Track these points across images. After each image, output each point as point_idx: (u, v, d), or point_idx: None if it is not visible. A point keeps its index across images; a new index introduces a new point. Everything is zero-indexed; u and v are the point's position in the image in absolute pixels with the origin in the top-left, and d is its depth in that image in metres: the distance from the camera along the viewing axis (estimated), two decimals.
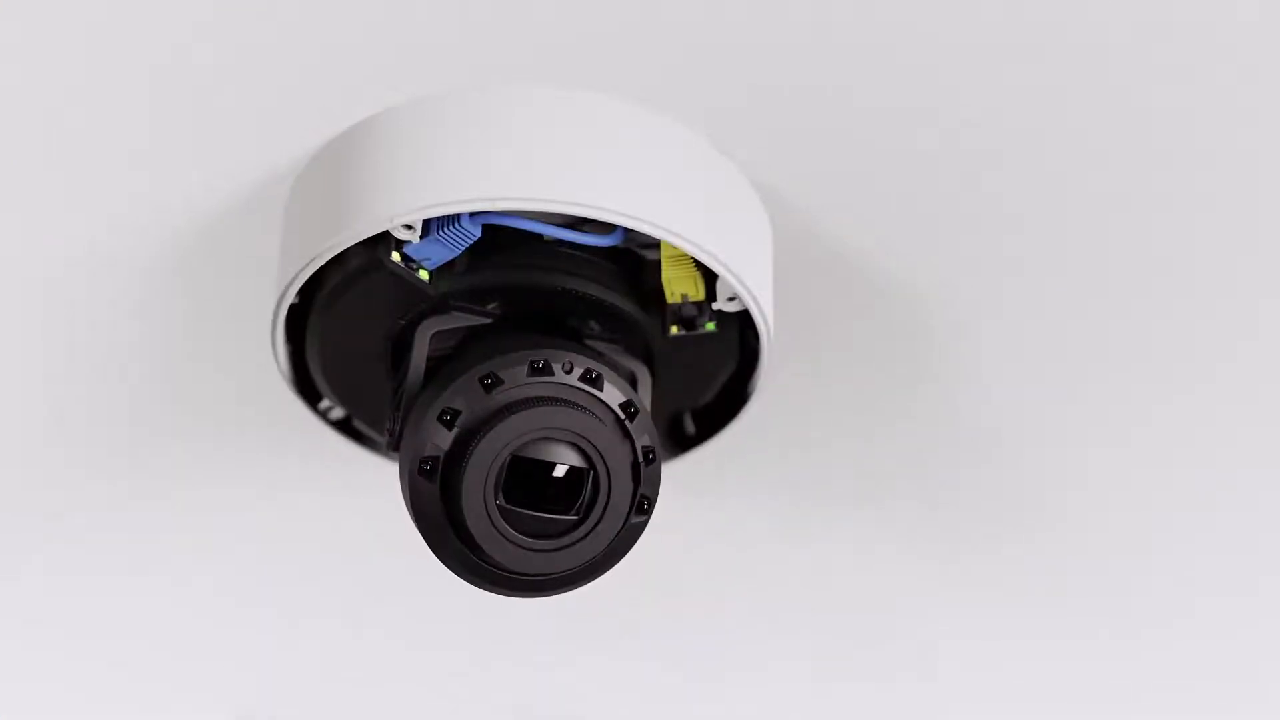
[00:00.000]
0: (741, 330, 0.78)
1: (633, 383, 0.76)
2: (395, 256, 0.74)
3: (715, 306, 0.76)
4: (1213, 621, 0.95)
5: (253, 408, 0.85)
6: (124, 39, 0.72)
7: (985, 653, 0.98)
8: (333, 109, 0.75)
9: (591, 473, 0.72)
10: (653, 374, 0.78)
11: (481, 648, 0.96)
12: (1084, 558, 0.93)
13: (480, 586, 0.73)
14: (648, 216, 0.73)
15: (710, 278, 0.76)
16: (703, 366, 0.79)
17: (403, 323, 0.76)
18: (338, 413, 0.83)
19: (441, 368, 0.74)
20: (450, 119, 0.74)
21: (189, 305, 0.82)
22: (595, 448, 0.71)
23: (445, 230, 0.74)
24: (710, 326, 0.77)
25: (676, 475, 0.82)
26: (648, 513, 0.73)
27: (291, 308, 0.77)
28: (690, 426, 0.83)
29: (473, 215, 0.74)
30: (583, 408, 0.72)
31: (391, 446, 0.75)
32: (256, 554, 0.92)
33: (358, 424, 0.83)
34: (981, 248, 0.79)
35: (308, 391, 0.81)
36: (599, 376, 0.72)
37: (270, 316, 0.77)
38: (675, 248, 0.75)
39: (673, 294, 0.76)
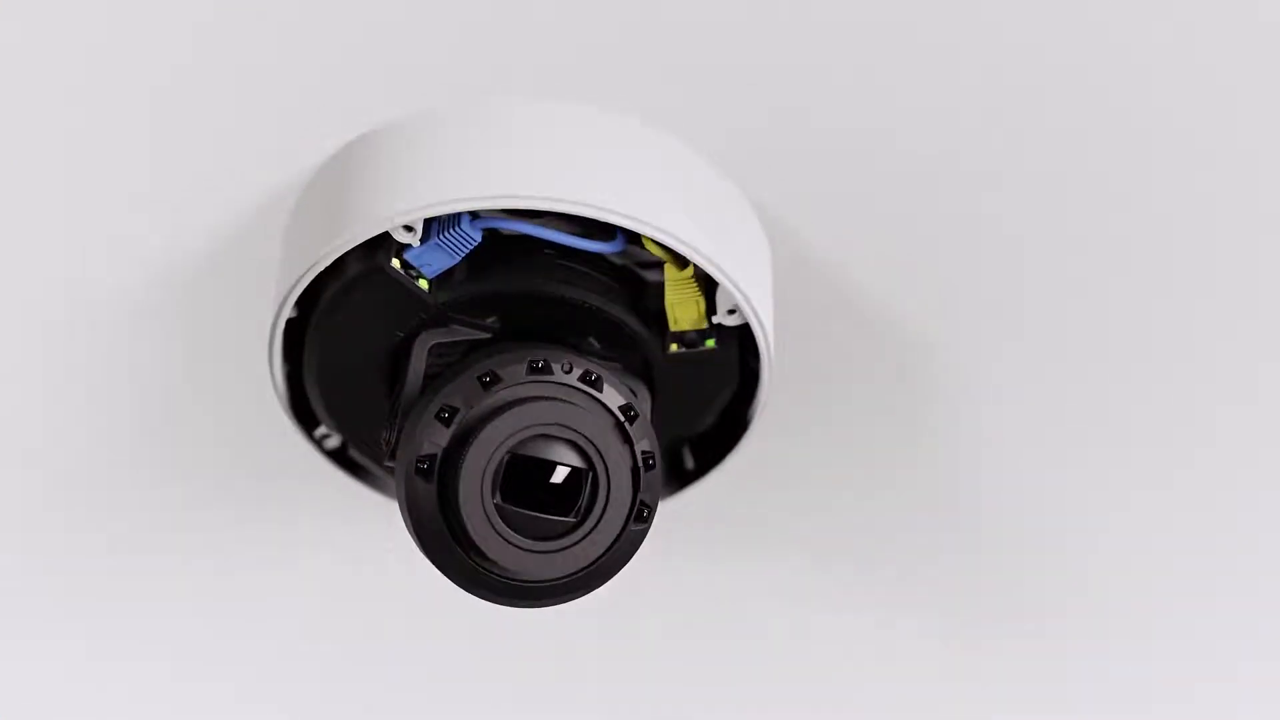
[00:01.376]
0: (742, 354, 0.78)
1: None
2: (395, 263, 0.74)
3: (715, 320, 0.76)
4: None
5: (247, 437, 0.84)
6: (122, 52, 0.73)
7: None
8: (333, 125, 0.76)
9: (590, 474, 0.71)
10: (652, 395, 0.77)
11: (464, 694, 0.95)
12: (1087, 636, 0.92)
13: (477, 594, 0.72)
14: (647, 218, 0.73)
15: (711, 300, 0.76)
16: (702, 388, 0.78)
17: (401, 335, 0.75)
18: (333, 441, 0.82)
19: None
20: (451, 125, 0.75)
21: (186, 328, 0.82)
22: (595, 447, 0.71)
23: (446, 234, 0.74)
24: (710, 344, 0.77)
25: (672, 518, 0.81)
26: (647, 521, 0.72)
27: (290, 326, 0.77)
28: (689, 461, 0.83)
29: (473, 219, 0.74)
30: (582, 407, 0.71)
31: (388, 456, 0.74)
32: (248, 590, 0.91)
33: (353, 454, 0.83)
34: (984, 270, 0.79)
35: (304, 417, 0.81)
36: (599, 378, 0.72)
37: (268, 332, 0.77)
38: (678, 271, 0.75)
39: (676, 320, 0.76)
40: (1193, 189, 0.74)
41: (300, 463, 0.82)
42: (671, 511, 0.81)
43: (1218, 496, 0.86)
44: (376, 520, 0.84)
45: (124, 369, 0.82)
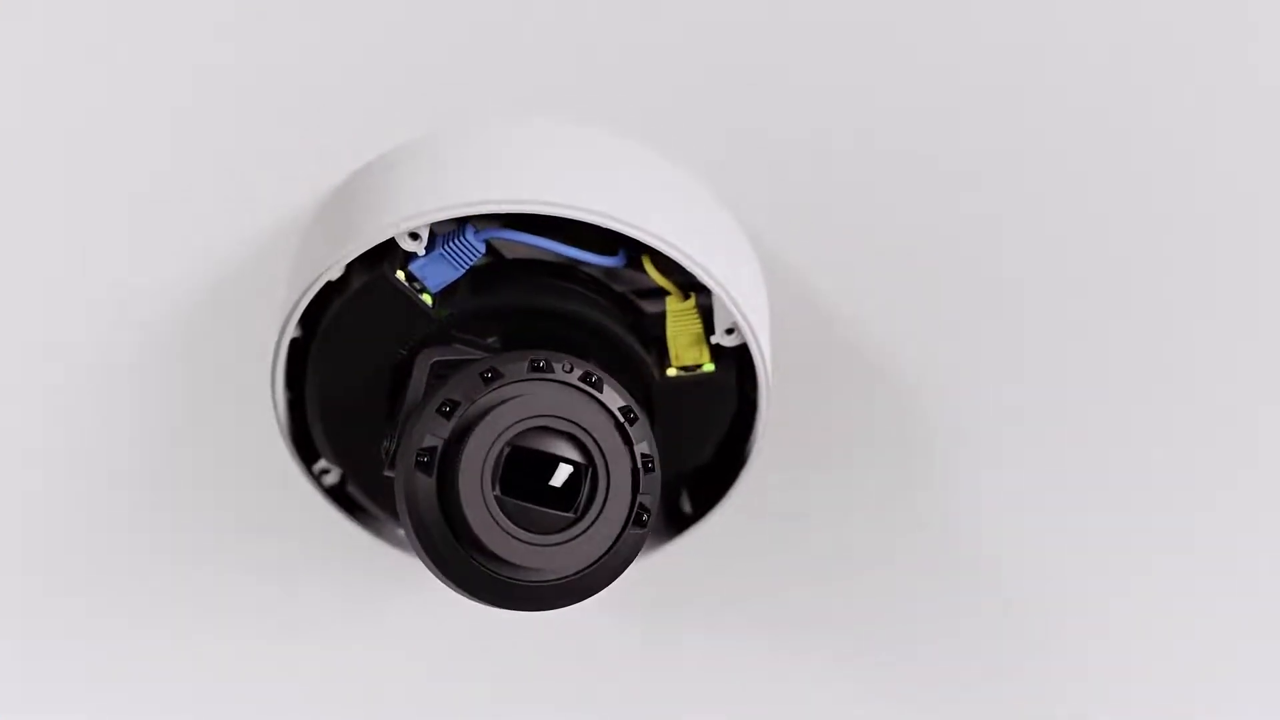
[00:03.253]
0: (740, 383, 0.78)
1: None
2: (400, 275, 0.75)
3: (713, 340, 0.77)
4: None
5: (245, 469, 0.85)
6: (123, 63, 0.75)
7: None
8: (334, 129, 0.77)
9: (590, 469, 0.71)
10: (650, 421, 0.78)
11: None
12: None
13: (475, 597, 0.72)
14: (645, 226, 0.75)
15: (710, 328, 0.77)
16: (700, 415, 0.79)
17: (404, 352, 0.76)
18: (332, 477, 0.82)
19: None
20: (454, 142, 0.77)
21: (190, 352, 0.82)
22: (595, 441, 0.71)
23: (450, 245, 0.75)
24: (708, 366, 0.77)
25: (668, 566, 0.81)
26: (646, 526, 0.72)
27: (293, 352, 0.78)
28: (687, 504, 0.83)
29: (477, 231, 0.75)
30: (582, 403, 0.72)
31: (389, 464, 0.75)
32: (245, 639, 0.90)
33: (351, 490, 0.83)
34: (986, 276, 0.80)
35: (304, 451, 0.81)
36: (599, 380, 0.72)
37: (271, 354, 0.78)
38: (681, 302, 0.77)
39: (677, 355, 0.77)
40: (1193, 193, 0.75)
41: (297, 499, 0.82)
42: (668, 559, 0.81)
43: (1239, 545, 0.86)
44: (369, 558, 0.83)
45: (123, 390, 0.83)
